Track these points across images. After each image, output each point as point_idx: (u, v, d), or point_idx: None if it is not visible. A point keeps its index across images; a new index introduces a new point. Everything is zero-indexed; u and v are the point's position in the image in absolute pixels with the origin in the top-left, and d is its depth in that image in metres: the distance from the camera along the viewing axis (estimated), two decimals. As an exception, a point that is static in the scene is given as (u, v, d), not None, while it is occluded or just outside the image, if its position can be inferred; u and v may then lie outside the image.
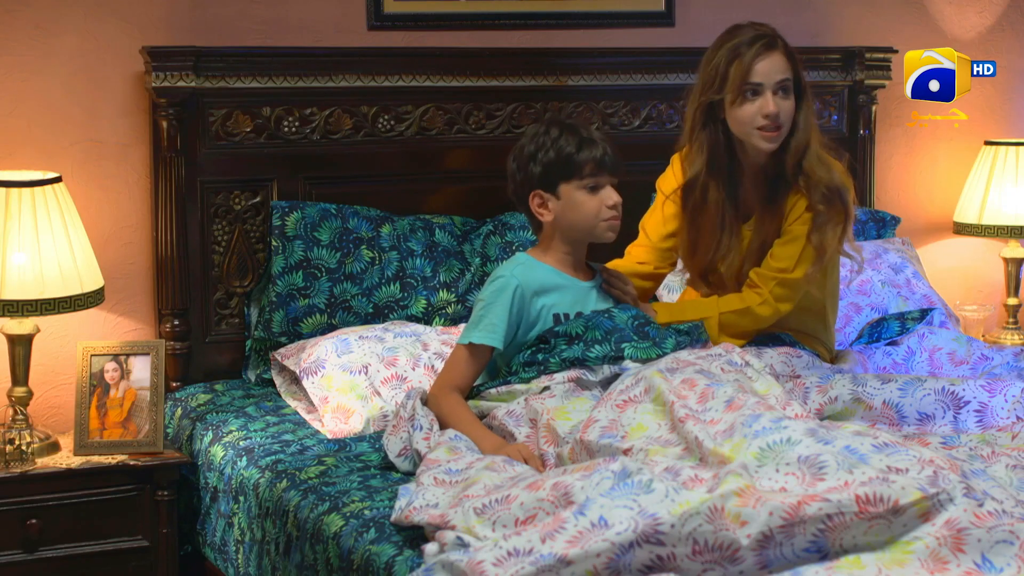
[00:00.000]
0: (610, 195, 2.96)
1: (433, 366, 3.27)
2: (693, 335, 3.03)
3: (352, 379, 3.21)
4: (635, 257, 3.37)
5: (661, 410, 2.51)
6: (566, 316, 2.96)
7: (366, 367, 3.24)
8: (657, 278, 3.39)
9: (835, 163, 3.24)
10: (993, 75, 4.33)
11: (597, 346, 2.86)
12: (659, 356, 2.88)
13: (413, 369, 3.25)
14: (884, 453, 2.20)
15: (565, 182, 2.95)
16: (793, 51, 3.17)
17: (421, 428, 2.78)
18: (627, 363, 2.86)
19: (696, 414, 2.45)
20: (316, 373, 3.24)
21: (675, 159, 3.36)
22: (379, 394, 3.20)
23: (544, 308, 2.96)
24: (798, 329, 3.28)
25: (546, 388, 2.82)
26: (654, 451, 2.40)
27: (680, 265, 3.57)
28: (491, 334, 2.91)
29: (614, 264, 3.34)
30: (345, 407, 3.17)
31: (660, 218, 3.35)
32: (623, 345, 2.88)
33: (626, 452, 2.44)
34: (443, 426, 2.82)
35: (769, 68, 3.11)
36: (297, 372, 3.29)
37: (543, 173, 2.96)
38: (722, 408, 2.46)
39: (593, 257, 3.17)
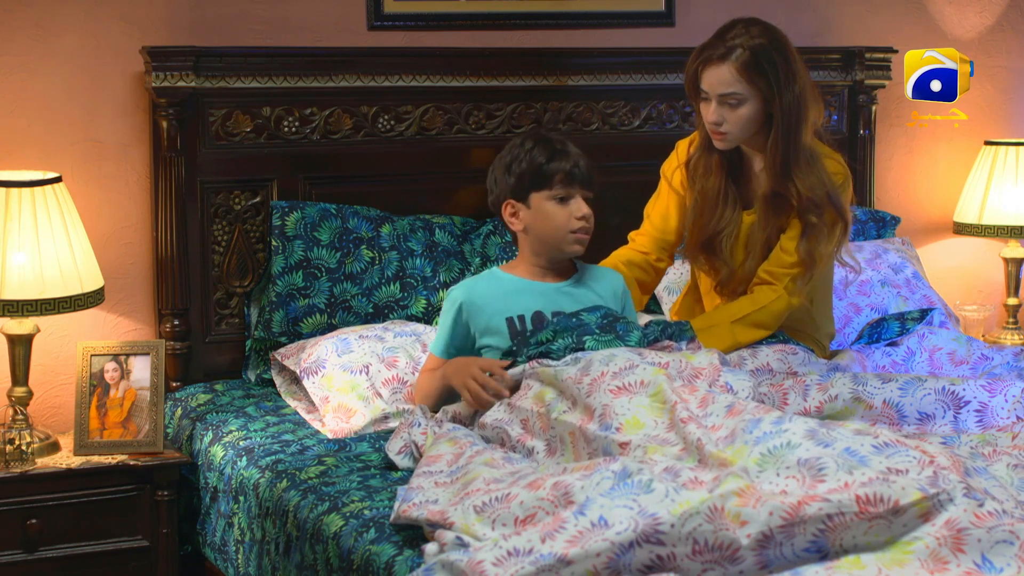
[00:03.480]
0: (580, 207, 2.99)
1: None
2: (669, 330, 2.98)
3: (353, 379, 3.21)
4: (637, 245, 3.39)
5: (660, 407, 2.51)
6: (520, 319, 2.98)
7: (367, 367, 3.23)
8: (657, 271, 3.39)
9: (831, 163, 3.23)
10: (971, 75, 4.32)
11: (560, 339, 2.86)
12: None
13: (413, 373, 3.25)
14: (884, 454, 2.19)
15: (536, 192, 3.00)
16: (764, 67, 3.11)
17: (419, 424, 2.82)
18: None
19: (698, 418, 2.45)
20: (316, 373, 3.24)
21: (679, 144, 3.39)
22: (380, 395, 3.20)
23: (497, 314, 3.00)
24: (787, 326, 3.28)
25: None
26: (652, 449, 2.39)
27: (679, 263, 3.57)
28: (436, 344, 3.08)
29: (617, 252, 3.36)
30: (346, 407, 3.17)
31: (663, 207, 3.37)
32: (584, 338, 2.86)
33: (622, 446, 2.43)
34: (427, 402, 2.98)
35: (712, 80, 3.15)
36: (297, 372, 3.29)
37: (515, 183, 3.01)
38: (723, 413, 2.46)
39: (598, 248, 3.22)
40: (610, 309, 2.97)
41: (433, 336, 3.37)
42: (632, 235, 3.43)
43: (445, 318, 3.06)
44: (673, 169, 3.37)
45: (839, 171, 3.24)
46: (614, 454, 2.44)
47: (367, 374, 3.22)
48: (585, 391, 2.60)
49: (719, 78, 3.13)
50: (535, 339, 2.88)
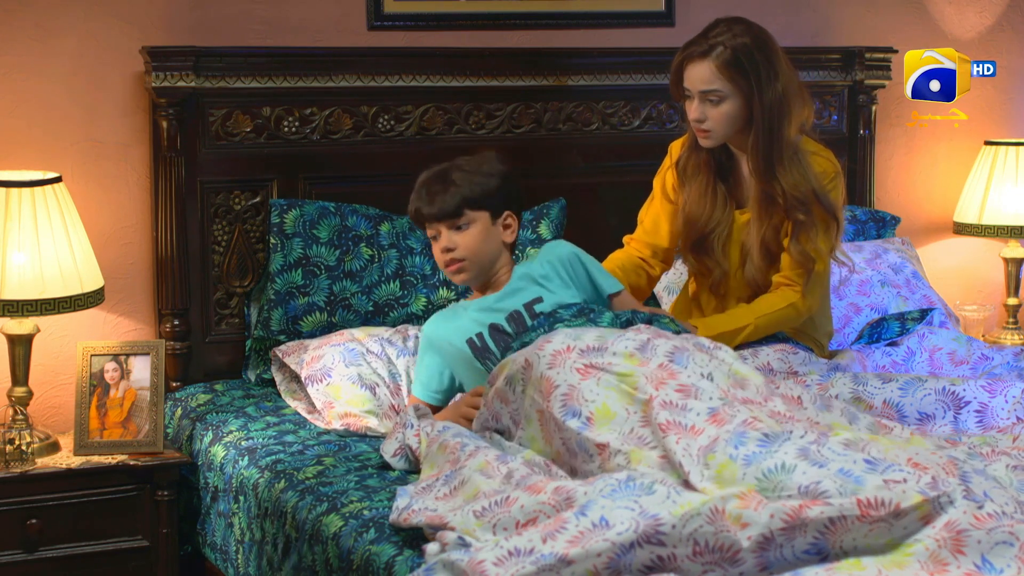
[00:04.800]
0: (441, 241, 3.01)
1: None
2: (641, 316, 2.95)
3: (361, 393, 3.19)
4: (632, 249, 3.41)
5: (630, 393, 2.46)
6: (479, 336, 2.98)
7: (374, 387, 3.22)
8: (650, 278, 3.41)
9: (820, 160, 3.24)
10: (993, 75, 4.33)
11: (534, 332, 2.87)
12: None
13: None
14: (878, 471, 2.17)
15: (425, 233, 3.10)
16: (745, 65, 3.13)
17: (412, 426, 2.81)
18: None
19: (677, 416, 2.39)
20: (322, 381, 3.23)
21: (672, 146, 3.42)
22: (388, 417, 3.19)
23: (459, 339, 3.00)
24: None
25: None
26: (635, 456, 2.37)
27: (680, 263, 3.58)
28: (417, 386, 3.07)
29: (613, 256, 3.37)
30: (354, 415, 3.16)
31: (655, 213, 3.40)
32: (557, 325, 2.85)
33: (600, 447, 2.40)
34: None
35: (693, 76, 3.18)
36: (300, 375, 3.28)
37: None
38: (706, 415, 2.38)
39: (597, 248, 3.25)
40: (586, 304, 2.97)
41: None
42: (627, 239, 3.46)
43: (422, 358, 3.07)
44: (664, 173, 3.39)
45: (828, 168, 3.24)
46: (592, 454, 2.42)
47: (374, 393, 3.21)
48: (547, 362, 2.55)
49: (700, 75, 3.16)
50: (516, 342, 2.88)
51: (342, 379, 3.21)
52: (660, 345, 2.55)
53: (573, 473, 2.45)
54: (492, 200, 3.01)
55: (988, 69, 4.30)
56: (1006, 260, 4.45)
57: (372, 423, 3.14)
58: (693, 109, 3.19)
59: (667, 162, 3.40)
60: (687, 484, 2.26)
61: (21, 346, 3.28)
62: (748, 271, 3.24)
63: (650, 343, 2.56)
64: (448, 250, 2.99)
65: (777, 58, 3.18)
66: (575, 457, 2.45)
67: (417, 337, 3.40)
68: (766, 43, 3.18)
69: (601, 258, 3.40)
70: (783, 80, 3.17)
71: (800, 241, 3.18)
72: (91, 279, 3.30)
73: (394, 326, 3.52)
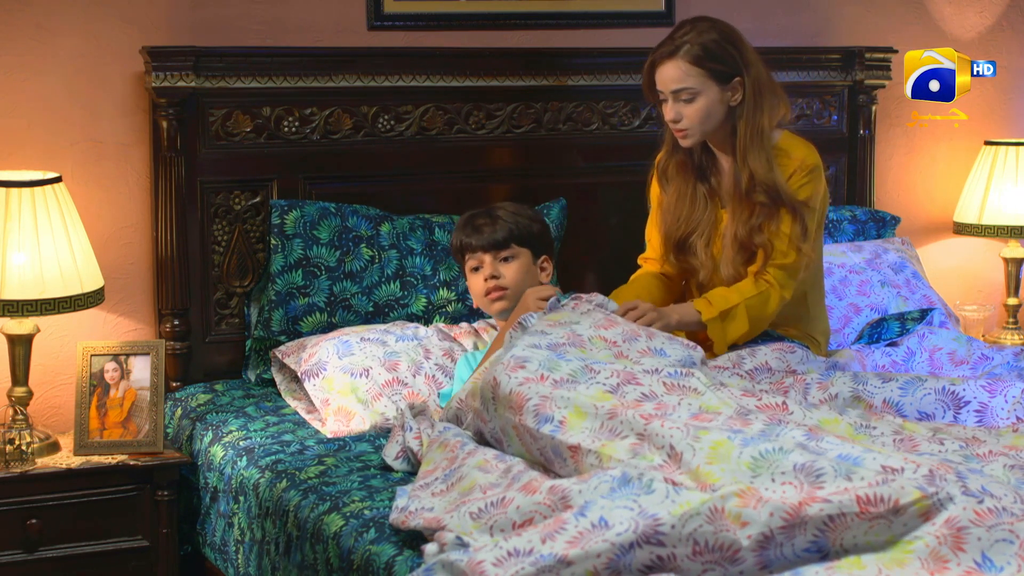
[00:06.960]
0: (485, 270, 3.21)
1: (434, 376, 3.27)
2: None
3: (353, 381, 3.21)
4: (649, 267, 3.42)
5: (601, 395, 2.48)
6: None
7: (367, 370, 3.24)
8: (672, 286, 3.40)
9: (802, 148, 3.24)
10: (993, 75, 4.33)
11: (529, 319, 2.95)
12: (570, 295, 2.96)
13: (414, 376, 3.25)
14: (873, 455, 2.19)
15: (464, 268, 3.29)
16: (717, 56, 3.15)
17: (411, 429, 2.83)
18: None
19: (660, 415, 2.40)
20: (317, 375, 3.24)
21: (657, 158, 3.42)
22: (381, 397, 3.20)
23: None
24: (780, 323, 3.28)
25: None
26: (605, 452, 2.37)
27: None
28: (451, 390, 3.19)
29: (637, 278, 3.39)
30: (347, 409, 3.17)
31: (657, 230, 3.40)
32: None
33: (572, 449, 2.41)
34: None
35: (664, 77, 3.21)
36: (298, 372, 3.29)
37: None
38: (687, 416, 2.42)
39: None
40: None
41: (435, 340, 3.38)
42: (641, 259, 3.45)
43: (458, 377, 3.20)
44: (652, 185, 3.40)
45: (800, 167, 3.23)
46: (565, 458, 2.42)
47: (367, 376, 3.22)
48: (518, 381, 2.56)
49: (670, 75, 3.19)
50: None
51: (335, 371, 3.23)
52: (630, 392, 2.57)
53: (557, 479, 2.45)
54: (534, 241, 3.25)
55: (988, 69, 4.29)
56: (1006, 260, 4.45)
57: (358, 416, 3.15)
58: (668, 110, 3.22)
59: (653, 174, 3.41)
60: (669, 464, 2.26)
61: (21, 346, 3.28)
62: (723, 267, 3.24)
63: (620, 388, 2.58)
64: (494, 277, 3.17)
65: (747, 50, 3.22)
66: (553, 464, 2.47)
67: (416, 327, 3.42)
68: (732, 37, 3.22)
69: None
70: (754, 72, 3.19)
71: (763, 228, 3.17)
72: (91, 279, 3.30)
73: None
